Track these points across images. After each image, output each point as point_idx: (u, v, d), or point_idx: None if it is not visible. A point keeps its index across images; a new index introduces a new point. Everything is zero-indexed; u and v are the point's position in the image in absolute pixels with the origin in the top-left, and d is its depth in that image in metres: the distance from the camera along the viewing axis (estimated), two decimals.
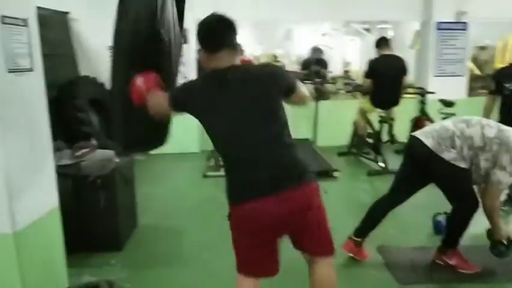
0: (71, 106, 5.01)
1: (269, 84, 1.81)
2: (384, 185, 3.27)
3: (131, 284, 2.78)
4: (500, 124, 2.76)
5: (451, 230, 2.86)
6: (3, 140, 2.03)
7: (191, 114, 1.84)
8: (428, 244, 3.26)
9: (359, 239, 3.00)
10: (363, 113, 5.65)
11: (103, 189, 3.13)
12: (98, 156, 3.20)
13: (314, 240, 1.93)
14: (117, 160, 3.30)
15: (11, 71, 2.07)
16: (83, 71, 6.04)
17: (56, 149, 3.20)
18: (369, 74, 5.35)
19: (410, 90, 6.03)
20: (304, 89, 1.98)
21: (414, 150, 2.85)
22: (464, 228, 2.77)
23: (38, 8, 5.03)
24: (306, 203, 1.81)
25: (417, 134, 2.86)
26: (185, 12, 2.35)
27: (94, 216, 3.14)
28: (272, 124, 1.79)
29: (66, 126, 4.90)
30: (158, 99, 1.92)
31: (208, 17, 1.85)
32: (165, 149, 2.51)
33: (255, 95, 1.77)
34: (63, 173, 3.08)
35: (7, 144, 2.05)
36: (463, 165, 2.65)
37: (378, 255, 3.11)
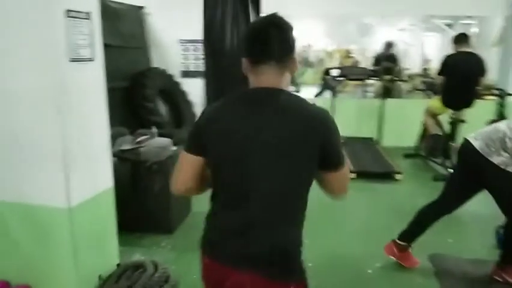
0: (140, 96, 5.32)
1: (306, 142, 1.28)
2: None
3: (177, 266, 2.89)
4: None
5: (508, 244, 2.61)
6: (63, 124, 2.23)
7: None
8: (487, 257, 2.99)
9: (402, 243, 2.85)
10: (431, 113, 5.31)
11: (158, 174, 3.30)
12: (156, 143, 3.37)
13: None
14: (174, 148, 3.44)
15: (72, 60, 2.25)
16: (155, 62, 6.38)
17: (119, 135, 3.43)
18: (442, 70, 5.02)
19: (487, 91, 5.56)
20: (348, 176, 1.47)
21: (464, 153, 2.64)
22: None
23: (115, 2, 5.42)
24: None
25: (469, 135, 2.63)
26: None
27: (148, 200, 3.33)
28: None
29: (136, 114, 5.24)
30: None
31: (261, 18, 1.48)
32: None
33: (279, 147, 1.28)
34: (123, 157, 3.31)
35: (66, 128, 2.24)
36: None
37: (430, 263, 2.94)
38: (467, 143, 2.58)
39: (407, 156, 5.88)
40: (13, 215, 2.40)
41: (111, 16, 5.25)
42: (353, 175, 4.73)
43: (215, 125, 1.34)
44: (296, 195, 1.33)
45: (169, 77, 6.05)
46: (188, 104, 6.34)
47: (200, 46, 6.26)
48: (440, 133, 5.30)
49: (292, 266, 1.34)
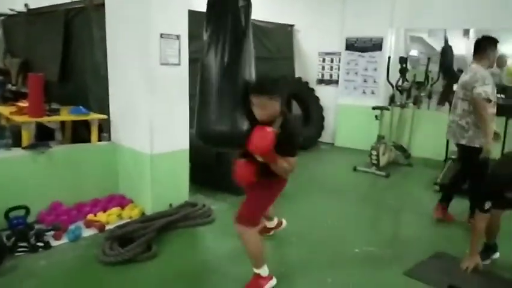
0: None
1: None
2: None
3: (224, 213, 3.99)
4: None
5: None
6: (152, 103, 3.68)
7: None
8: None
9: None
10: None
11: None
12: None
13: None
14: None
15: (163, 64, 3.69)
16: (297, 71, 7.57)
17: None
18: None
19: None
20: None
21: None
22: None
23: (271, 23, 6.81)
24: None
25: None
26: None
27: (227, 167, 4.52)
28: None
29: None
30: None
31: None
32: None
33: None
34: None
35: (153, 106, 3.69)
36: None
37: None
38: None
39: None
40: (127, 154, 4.02)
41: (264, 33, 6.68)
42: None
43: None
44: None
45: (303, 84, 7.15)
46: (318, 107, 7.28)
47: (336, 58, 7.18)
48: None
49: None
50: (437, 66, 7.03)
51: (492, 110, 3.57)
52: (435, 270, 3.07)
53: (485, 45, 3.71)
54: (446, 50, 7.24)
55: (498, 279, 3.01)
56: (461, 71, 5.89)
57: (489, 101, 3.50)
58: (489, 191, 2.89)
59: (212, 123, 2.40)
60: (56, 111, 4.07)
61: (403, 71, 6.15)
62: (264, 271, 2.68)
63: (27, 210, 3.43)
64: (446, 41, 7.33)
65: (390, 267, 3.12)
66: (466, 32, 9.33)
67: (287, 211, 3.81)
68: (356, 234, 3.76)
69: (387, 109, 6.08)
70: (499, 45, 3.80)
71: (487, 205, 2.85)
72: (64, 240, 3.36)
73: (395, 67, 6.24)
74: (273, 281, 2.74)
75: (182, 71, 3.88)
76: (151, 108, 3.70)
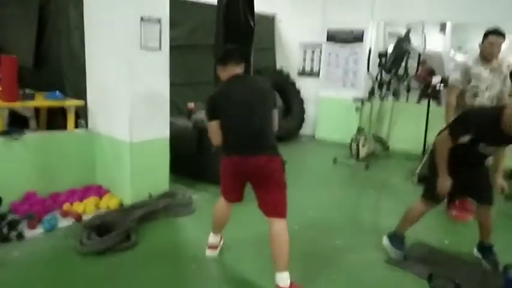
0: None
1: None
2: None
3: (204, 202, 3.92)
4: None
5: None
6: (132, 89, 3.57)
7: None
8: None
9: None
10: None
11: None
12: None
13: (266, 201, 2.60)
14: None
15: (143, 48, 3.57)
16: (278, 62, 7.53)
17: (201, 108, 4.70)
18: None
19: None
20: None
21: None
22: None
23: None
24: (262, 165, 2.54)
25: None
26: None
27: (207, 157, 4.46)
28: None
29: None
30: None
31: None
32: None
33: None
34: (195, 125, 4.57)
35: (133, 91, 3.58)
36: None
37: None
38: None
39: None
40: (106, 142, 3.90)
41: None
42: None
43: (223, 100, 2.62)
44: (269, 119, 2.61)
45: (284, 75, 7.10)
46: (299, 100, 7.26)
47: (317, 49, 7.16)
48: None
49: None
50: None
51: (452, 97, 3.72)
52: (416, 259, 3.10)
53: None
54: (398, 43, 6.41)
55: (480, 268, 3.05)
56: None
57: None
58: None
59: None
60: (30, 97, 3.90)
61: (382, 66, 6.16)
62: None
63: (0, 199, 3.29)
64: (406, 34, 6.79)
65: (371, 256, 3.14)
66: (443, 28, 9.47)
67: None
68: (338, 225, 3.77)
69: (368, 101, 6.11)
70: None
71: (462, 138, 2.67)
72: (39, 230, 3.24)
73: (376, 60, 6.27)
74: None
75: (163, 57, 3.78)
76: (130, 94, 3.59)
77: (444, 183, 2.78)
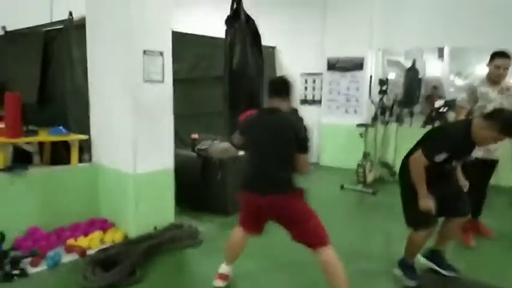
0: None
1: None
2: None
3: (213, 235, 3.85)
4: None
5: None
6: (135, 122, 3.57)
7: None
8: None
9: None
10: None
11: (220, 168, 4.38)
12: (222, 146, 4.48)
13: (301, 236, 2.57)
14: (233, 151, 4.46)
15: (146, 81, 3.60)
16: None
17: (204, 139, 4.70)
18: None
19: None
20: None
21: None
22: None
23: None
24: (276, 205, 2.53)
25: None
26: None
27: (212, 187, 4.42)
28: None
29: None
30: None
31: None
32: None
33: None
34: (199, 154, 4.54)
35: (136, 125, 3.57)
36: None
37: None
38: None
39: None
40: (109, 175, 3.86)
41: None
42: None
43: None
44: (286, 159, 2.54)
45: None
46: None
47: (318, 78, 7.24)
48: None
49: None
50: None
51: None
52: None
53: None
54: (408, 73, 7.19)
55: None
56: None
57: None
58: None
59: None
60: (34, 133, 3.91)
61: (383, 92, 6.20)
62: None
63: (2, 236, 3.24)
64: (413, 63, 7.22)
65: (381, 284, 3.04)
66: (441, 54, 9.56)
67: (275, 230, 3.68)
68: (348, 251, 3.66)
69: (371, 126, 6.11)
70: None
71: (438, 157, 2.66)
72: (42, 267, 3.16)
73: (377, 86, 6.31)
74: None
75: (166, 89, 3.80)
76: (133, 126, 3.59)
77: (427, 202, 2.71)
